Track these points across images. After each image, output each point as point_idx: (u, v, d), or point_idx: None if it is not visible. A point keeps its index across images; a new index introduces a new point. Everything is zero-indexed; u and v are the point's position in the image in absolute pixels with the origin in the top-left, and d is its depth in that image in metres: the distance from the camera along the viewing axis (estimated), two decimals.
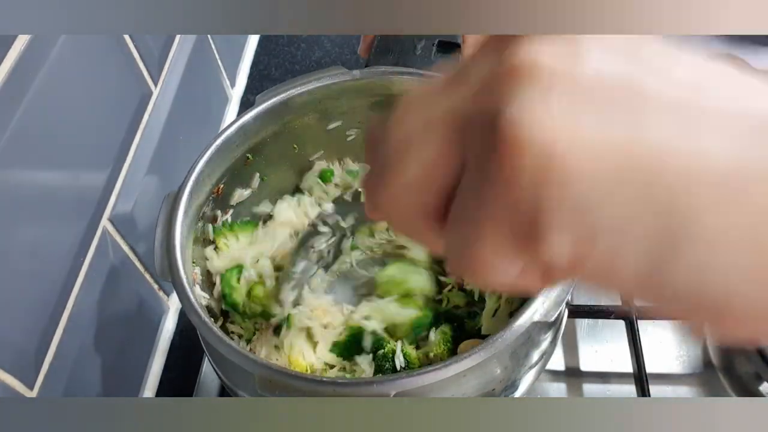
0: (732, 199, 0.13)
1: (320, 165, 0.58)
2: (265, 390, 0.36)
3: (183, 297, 0.41)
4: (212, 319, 0.43)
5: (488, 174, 0.15)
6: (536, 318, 0.37)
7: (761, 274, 0.14)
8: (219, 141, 0.49)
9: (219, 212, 0.53)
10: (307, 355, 0.47)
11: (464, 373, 0.36)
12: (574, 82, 0.15)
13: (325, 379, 0.37)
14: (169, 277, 0.42)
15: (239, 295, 0.50)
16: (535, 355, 0.43)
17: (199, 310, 0.40)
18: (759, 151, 0.14)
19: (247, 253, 0.52)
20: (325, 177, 0.57)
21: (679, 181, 0.13)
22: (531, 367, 0.43)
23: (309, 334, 0.48)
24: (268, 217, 0.56)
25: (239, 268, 0.51)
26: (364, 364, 0.47)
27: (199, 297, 0.45)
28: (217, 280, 0.51)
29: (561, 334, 0.47)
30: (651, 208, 0.14)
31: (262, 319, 0.50)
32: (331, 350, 0.48)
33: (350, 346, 0.48)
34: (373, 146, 0.19)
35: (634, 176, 0.14)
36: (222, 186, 0.52)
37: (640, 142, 0.14)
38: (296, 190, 0.58)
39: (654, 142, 0.14)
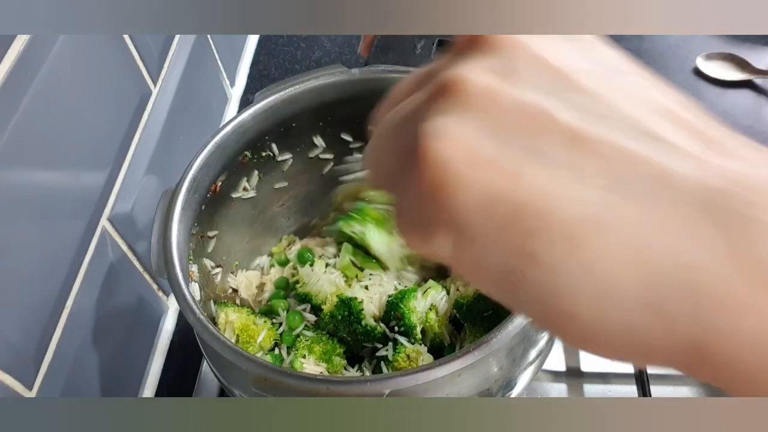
0: (580, 244, 0.15)
1: None
2: (259, 388, 0.36)
3: (178, 294, 0.41)
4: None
5: (407, 174, 0.18)
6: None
7: (600, 304, 0.16)
8: (217, 138, 0.49)
9: (219, 208, 0.53)
10: None
11: (459, 372, 0.36)
12: (493, 107, 0.17)
13: (318, 378, 0.37)
14: (165, 274, 0.42)
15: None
16: (533, 353, 0.43)
17: (195, 307, 0.40)
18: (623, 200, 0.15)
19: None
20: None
21: (535, 222, 0.16)
22: (528, 366, 0.43)
23: None
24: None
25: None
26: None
27: (195, 294, 0.45)
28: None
29: None
30: (512, 238, 0.16)
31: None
32: None
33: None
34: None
35: (505, 207, 0.16)
36: (220, 183, 0.51)
37: (520, 177, 0.16)
38: None
39: (530, 180, 0.16)
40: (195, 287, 0.48)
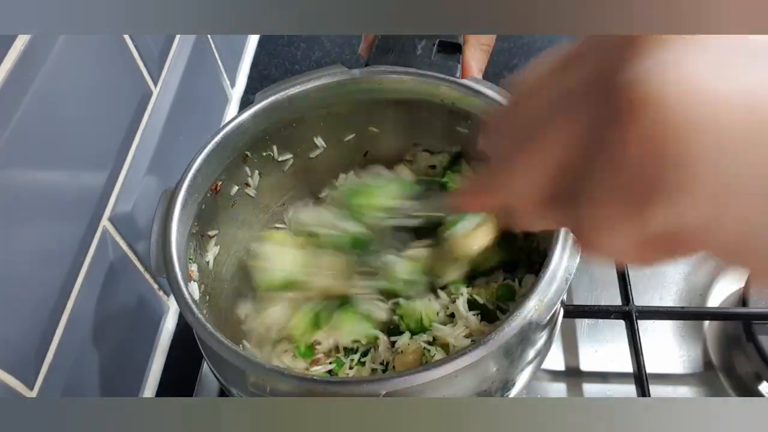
0: None
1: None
2: (257, 388, 0.36)
3: (177, 293, 0.41)
4: None
5: (607, 143, 0.14)
6: (529, 319, 0.37)
7: None
8: (218, 138, 0.49)
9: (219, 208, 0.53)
10: None
11: (457, 372, 0.36)
12: (698, 43, 0.14)
13: (316, 378, 0.37)
14: (164, 274, 0.42)
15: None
16: (531, 353, 0.43)
17: (193, 306, 0.40)
18: None
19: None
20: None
21: None
22: (526, 366, 0.43)
23: None
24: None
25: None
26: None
27: (194, 293, 0.45)
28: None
29: (557, 332, 0.47)
30: None
31: None
32: None
33: None
34: (492, 133, 0.19)
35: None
36: (220, 183, 0.52)
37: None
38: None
39: None
40: (194, 286, 0.48)
